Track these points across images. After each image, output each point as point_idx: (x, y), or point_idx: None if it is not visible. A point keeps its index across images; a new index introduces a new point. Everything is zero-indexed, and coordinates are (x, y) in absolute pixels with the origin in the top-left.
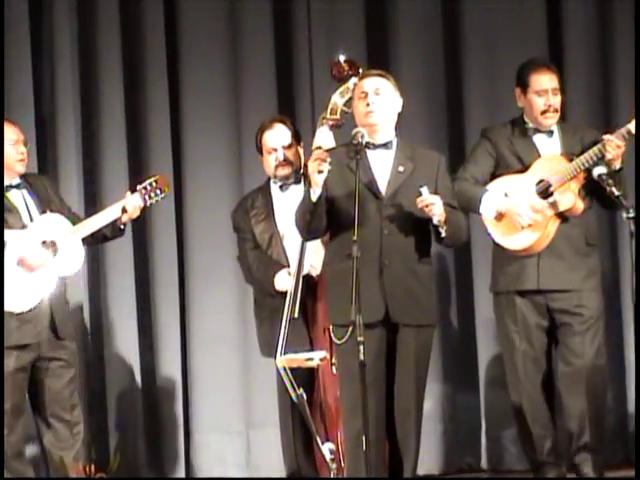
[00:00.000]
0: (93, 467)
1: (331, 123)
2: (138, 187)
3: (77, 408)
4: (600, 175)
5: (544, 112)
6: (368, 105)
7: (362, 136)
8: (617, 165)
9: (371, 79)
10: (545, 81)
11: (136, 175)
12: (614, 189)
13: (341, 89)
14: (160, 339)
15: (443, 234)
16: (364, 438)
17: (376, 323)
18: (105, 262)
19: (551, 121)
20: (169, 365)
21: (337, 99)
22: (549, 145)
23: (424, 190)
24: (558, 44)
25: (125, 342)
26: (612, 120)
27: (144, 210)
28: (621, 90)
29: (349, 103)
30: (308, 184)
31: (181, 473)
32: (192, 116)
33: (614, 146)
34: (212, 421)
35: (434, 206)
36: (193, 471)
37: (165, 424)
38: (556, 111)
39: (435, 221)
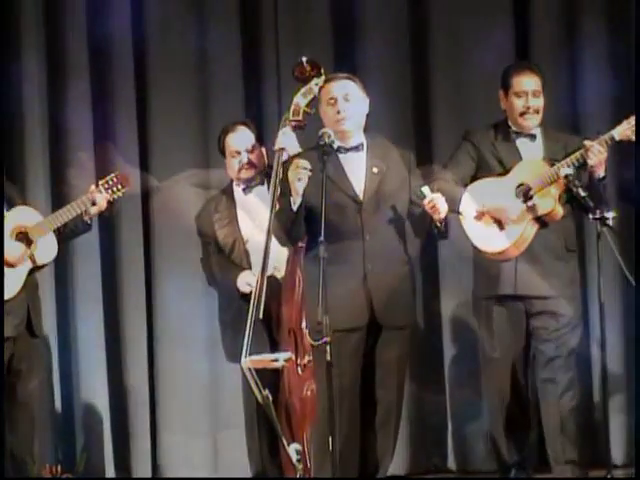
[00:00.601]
0: (59, 467)
1: (294, 124)
2: (100, 182)
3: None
4: (567, 176)
5: (523, 114)
6: (339, 112)
7: (329, 137)
8: (600, 173)
9: (339, 83)
10: (525, 82)
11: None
12: (580, 190)
13: (303, 90)
14: (127, 340)
15: (442, 229)
16: (331, 439)
17: (358, 328)
18: (72, 265)
19: (530, 123)
20: (136, 366)
21: (299, 100)
22: (532, 149)
23: (426, 190)
24: (525, 46)
25: (92, 343)
26: (580, 128)
27: (110, 206)
28: (590, 96)
29: (311, 104)
30: (288, 193)
31: (147, 473)
32: (159, 117)
33: (596, 152)
34: (179, 422)
35: (439, 204)
36: (160, 472)
37: (132, 424)
38: (536, 112)
39: (437, 219)
